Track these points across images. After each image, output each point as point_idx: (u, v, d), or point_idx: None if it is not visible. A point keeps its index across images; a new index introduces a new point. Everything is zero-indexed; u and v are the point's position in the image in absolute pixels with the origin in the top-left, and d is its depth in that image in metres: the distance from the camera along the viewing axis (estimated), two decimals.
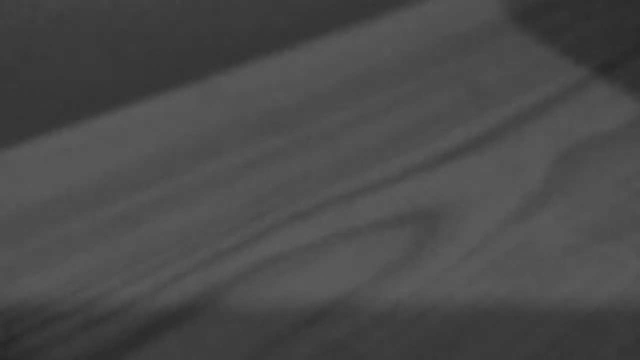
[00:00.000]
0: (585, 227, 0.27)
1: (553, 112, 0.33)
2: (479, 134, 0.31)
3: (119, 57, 0.39)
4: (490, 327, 0.23)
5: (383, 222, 0.27)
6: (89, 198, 0.29)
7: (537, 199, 0.28)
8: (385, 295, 0.24)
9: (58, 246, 0.26)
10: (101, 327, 0.23)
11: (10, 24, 0.35)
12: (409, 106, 0.33)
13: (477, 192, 0.28)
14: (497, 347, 0.22)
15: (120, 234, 0.27)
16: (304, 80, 0.36)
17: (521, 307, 0.23)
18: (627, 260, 0.25)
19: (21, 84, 0.37)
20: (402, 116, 0.32)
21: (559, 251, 0.25)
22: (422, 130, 0.31)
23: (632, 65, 0.36)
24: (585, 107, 0.33)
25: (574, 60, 0.36)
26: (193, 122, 0.33)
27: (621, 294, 0.24)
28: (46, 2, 0.36)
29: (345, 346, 0.22)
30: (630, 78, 0.35)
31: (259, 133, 0.32)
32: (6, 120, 0.37)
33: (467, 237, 0.26)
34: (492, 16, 0.39)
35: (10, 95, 0.37)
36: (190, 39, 0.41)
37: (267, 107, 0.34)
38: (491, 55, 0.36)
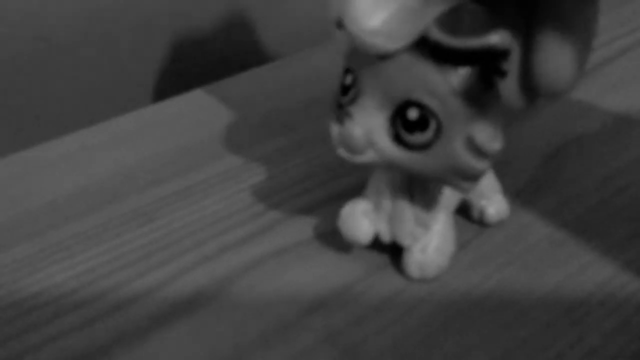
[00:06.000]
0: (571, 222, 0.27)
1: (541, 115, 0.33)
2: None
3: (135, 64, 0.40)
4: (480, 316, 0.23)
5: None
6: (104, 194, 0.30)
7: (526, 195, 0.28)
8: (382, 286, 0.24)
9: (75, 239, 0.27)
10: (116, 316, 0.24)
11: (30, 33, 0.36)
12: None
13: None
14: (486, 335, 0.23)
15: (134, 228, 0.28)
16: (303, 84, 0.36)
17: (510, 297, 0.24)
18: (609, 252, 0.25)
19: (43, 88, 0.37)
20: None
21: (546, 244, 0.26)
22: None
23: (612, 71, 0.37)
24: (570, 110, 0.34)
25: None
26: (202, 123, 0.34)
27: (604, 285, 0.24)
28: (65, 9, 0.36)
29: (344, 334, 0.23)
30: (610, 83, 0.36)
31: (263, 134, 0.33)
32: (28, 122, 0.37)
33: (461, 231, 0.26)
34: None
35: (32, 98, 0.37)
36: (200, 48, 0.42)
37: (270, 110, 0.35)
38: None
